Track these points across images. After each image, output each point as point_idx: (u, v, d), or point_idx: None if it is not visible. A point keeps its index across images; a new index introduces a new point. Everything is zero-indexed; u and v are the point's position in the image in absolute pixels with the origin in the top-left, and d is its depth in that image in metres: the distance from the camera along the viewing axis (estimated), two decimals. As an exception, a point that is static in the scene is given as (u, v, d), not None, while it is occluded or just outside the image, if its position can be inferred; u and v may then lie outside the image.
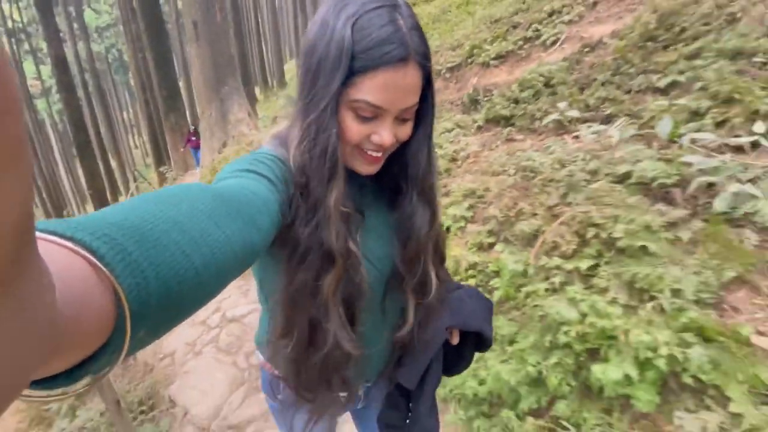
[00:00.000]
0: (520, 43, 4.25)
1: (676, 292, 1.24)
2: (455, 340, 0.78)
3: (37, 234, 0.18)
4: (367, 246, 0.63)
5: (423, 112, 0.60)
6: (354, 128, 0.55)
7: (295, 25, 24.89)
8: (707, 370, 1.10)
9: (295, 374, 0.66)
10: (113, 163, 23.18)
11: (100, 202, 12.94)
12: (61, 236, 0.23)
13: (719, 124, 1.83)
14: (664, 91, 2.31)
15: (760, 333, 1.14)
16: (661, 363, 1.14)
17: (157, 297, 0.25)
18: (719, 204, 1.39)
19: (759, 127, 1.65)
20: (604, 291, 1.42)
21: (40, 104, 35.12)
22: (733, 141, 1.66)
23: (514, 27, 4.53)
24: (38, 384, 0.21)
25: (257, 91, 21.12)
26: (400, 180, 0.65)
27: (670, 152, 1.74)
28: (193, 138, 9.80)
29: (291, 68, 24.33)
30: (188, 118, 11.87)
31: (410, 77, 0.53)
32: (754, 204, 1.31)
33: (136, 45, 14.82)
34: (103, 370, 0.24)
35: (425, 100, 0.59)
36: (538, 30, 4.15)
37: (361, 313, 0.63)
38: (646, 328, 1.21)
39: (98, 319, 0.22)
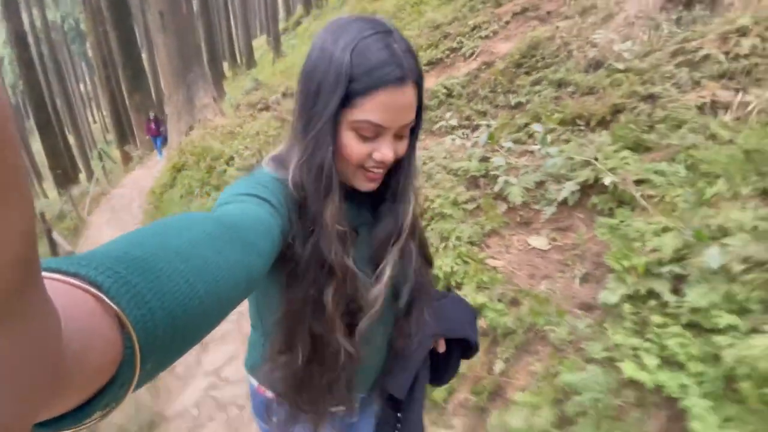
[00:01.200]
0: (448, 52, 5.14)
1: (459, 238, 2.19)
2: (441, 348, 0.82)
3: (42, 273, 0.18)
4: (359, 255, 0.65)
5: (414, 126, 0.64)
6: (356, 148, 0.58)
7: (264, 1, 24.78)
8: (461, 276, 2.05)
9: (296, 389, 0.67)
10: (71, 140, 22.71)
11: (63, 180, 13.09)
12: (65, 273, 0.23)
13: (530, 135, 2.79)
14: (513, 108, 3.27)
15: (493, 258, 2.11)
16: (441, 275, 2.08)
17: (163, 328, 0.26)
18: (496, 188, 2.36)
19: (545, 139, 2.60)
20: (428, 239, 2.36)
21: (-12, 74, 33.39)
22: (527, 148, 2.63)
23: (445, 37, 5.41)
24: (44, 426, 0.21)
25: (225, 67, 21.20)
26: (384, 190, 0.68)
27: (491, 154, 2.69)
28: (153, 126, 10.00)
29: (260, 44, 24.35)
30: (153, 98, 12.17)
31: (408, 96, 0.57)
32: (510, 189, 2.28)
33: (96, 17, 14.68)
34: (110, 405, 0.24)
35: (417, 115, 0.63)
36: (461, 42, 5.05)
37: (361, 325, 0.65)
38: (442, 258, 2.15)
39: (105, 353, 0.22)
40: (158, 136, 9.76)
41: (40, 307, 0.15)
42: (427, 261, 0.79)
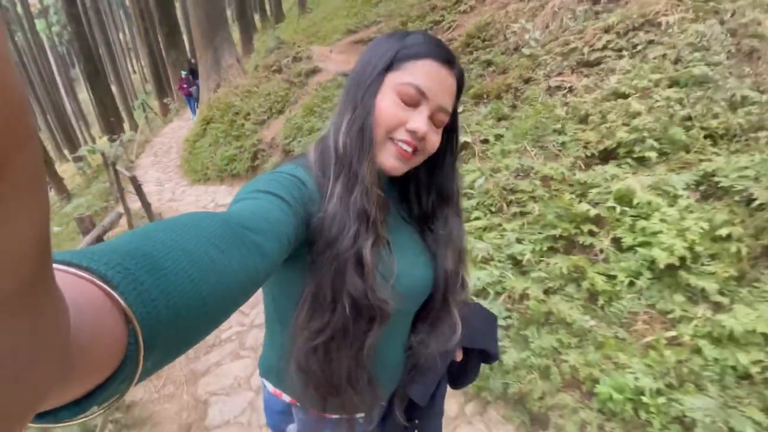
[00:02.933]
0: (431, 24, 5.95)
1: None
2: (458, 357, 0.83)
3: (53, 265, 0.18)
4: (400, 269, 0.65)
5: (450, 137, 0.67)
6: (392, 110, 0.59)
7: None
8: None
9: (318, 370, 0.64)
10: (114, 89, 24.54)
11: (110, 127, 14.71)
12: (76, 266, 0.24)
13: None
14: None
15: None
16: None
17: (167, 326, 0.26)
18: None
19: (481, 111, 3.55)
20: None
21: (38, 24, 35.52)
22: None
23: (432, 9, 6.17)
24: (44, 416, 0.21)
25: (257, 20, 21.99)
26: (434, 204, 0.71)
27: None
28: (185, 85, 10.59)
29: (289, -2, 24.76)
30: (188, 55, 13.32)
31: (450, 81, 0.60)
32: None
33: None
34: (109, 400, 0.24)
35: (453, 123, 0.66)
36: (443, 16, 5.83)
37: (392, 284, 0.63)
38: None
39: (109, 348, 0.23)
40: (190, 96, 10.52)
41: (51, 298, 0.16)
42: (463, 284, 0.77)
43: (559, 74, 3.20)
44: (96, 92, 15.06)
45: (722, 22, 2.79)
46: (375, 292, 0.60)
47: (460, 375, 0.86)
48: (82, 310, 0.21)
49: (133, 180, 4.14)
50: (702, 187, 1.90)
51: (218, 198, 5.64)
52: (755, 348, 1.40)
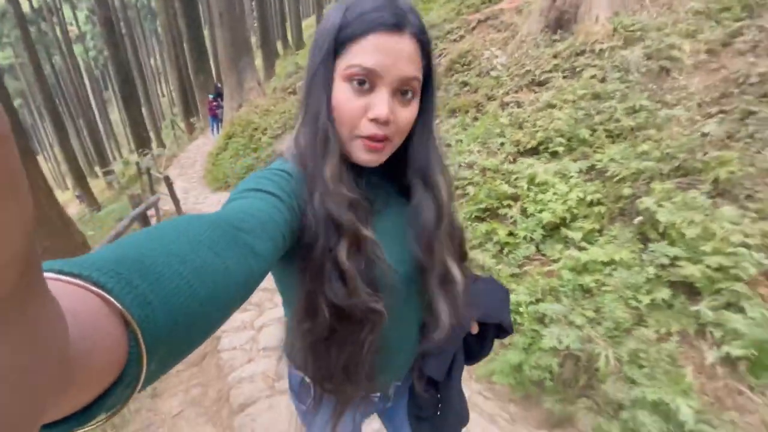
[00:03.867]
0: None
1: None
2: (474, 330, 0.83)
3: (45, 274, 0.19)
4: (388, 251, 0.61)
5: (423, 100, 0.60)
6: (348, 104, 0.54)
7: (315, -19, 26.67)
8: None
9: (314, 360, 0.65)
10: (144, 110, 26.39)
11: (140, 145, 16.03)
12: (68, 274, 0.24)
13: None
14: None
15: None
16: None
17: (166, 329, 0.26)
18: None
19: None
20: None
21: (76, 49, 38.48)
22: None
23: (428, 38, 7.02)
24: (52, 428, 0.21)
25: (280, 47, 23.58)
26: (407, 175, 0.65)
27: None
28: (214, 105, 11.49)
29: (309, 25, 26.50)
30: (214, 78, 14.63)
31: (406, 45, 0.53)
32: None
33: (166, 1, 17.32)
34: (114, 408, 0.24)
35: (426, 85, 0.59)
36: (436, 45, 6.66)
37: (381, 279, 0.60)
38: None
39: (111, 354, 0.23)
40: (216, 117, 11.53)
41: (45, 307, 0.16)
42: (462, 256, 0.76)
43: (516, 92, 3.91)
44: (129, 113, 16.49)
45: (644, 47, 3.46)
46: (359, 297, 0.57)
47: (475, 349, 0.86)
48: (79, 318, 0.21)
49: (166, 179, 5.00)
50: (592, 171, 2.57)
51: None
52: (597, 272, 2.03)
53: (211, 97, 12.08)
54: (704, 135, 2.42)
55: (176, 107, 27.84)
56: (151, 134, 23.36)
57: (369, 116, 0.55)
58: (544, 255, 2.30)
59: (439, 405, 0.82)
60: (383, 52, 0.53)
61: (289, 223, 0.51)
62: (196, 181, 9.10)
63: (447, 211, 0.67)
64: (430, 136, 0.64)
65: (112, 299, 0.24)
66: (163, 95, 48.03)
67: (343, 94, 0.55)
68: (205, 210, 6.64)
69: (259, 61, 15.78)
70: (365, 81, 0.54)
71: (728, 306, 1.67)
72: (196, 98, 15.64)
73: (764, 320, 1.55)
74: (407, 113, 0.58)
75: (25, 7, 26.74)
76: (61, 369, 0.17)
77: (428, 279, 0.67)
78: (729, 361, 1.58)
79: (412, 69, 0.55)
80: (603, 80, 3.37)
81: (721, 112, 2.58)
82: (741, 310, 1.63)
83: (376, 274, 0.59)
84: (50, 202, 4.68)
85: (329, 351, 0.63)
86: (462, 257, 0.76)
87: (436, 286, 0.68)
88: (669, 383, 1.56)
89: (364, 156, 0.58)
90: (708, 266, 1.74)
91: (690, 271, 1.76)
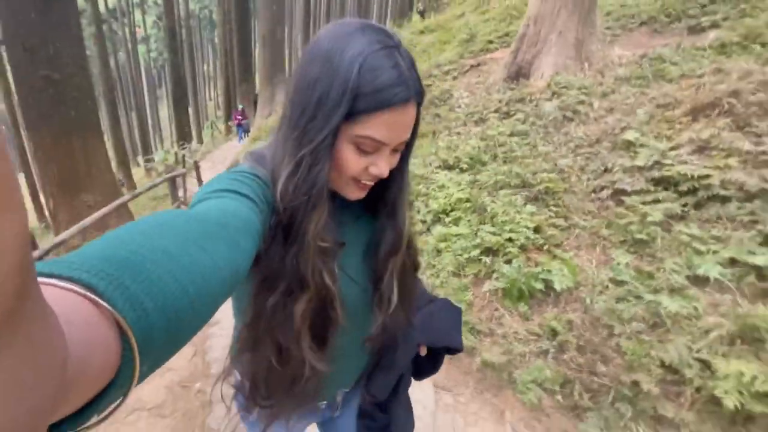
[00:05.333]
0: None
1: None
2: (423, 352, 0.87)
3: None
4: (348, 261, 0.67)
5: (408, 141, 0.65)
6: (354, 161, 0.59)
7: (359, 6, 28.94)
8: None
9: (252, 385, 0.69)
10: (190, 110, 28.96)
11: (182, 139, 18.03)
12: (59, 277, 0.24)
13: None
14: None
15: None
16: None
17: (158, 328, 0.27)
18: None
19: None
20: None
21: (140, 49, 42.49)
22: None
23: (429, 76, 8.33)
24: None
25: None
26: (378, 202, 0.71)
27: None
28: (239, 117, 12.99)
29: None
30: (256, 89, 16.53)
31: (410, 115, 0.59)
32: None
33: (226, 15, 19.65)
34: (108, 408, 0.25)
35: (413, 131, 0.64)
36: (432, 82, 7.95)
37: (334, 335, 0.65)
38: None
39: (105, 357, 0.23)
40: (240, 125, 13.11)
41: (41, 315, 0.16)
42: (415, 267, 0.81)
43: (464, 125, 5.10)
44: (177, 111, 18.65)
45: (560, 101, 4.59)
46: (303, 348, 0.61)
47: (424, 368, 0.90)
48: (72, 323, 0.21)
49: (195, 164, 6.41)
50: (474, 182, 3.72)
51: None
52: (449, 241, 3.17)
53: (240, 107, 13.75)
54: (556, 165, 3.53)
55: (220, 110, 30.36)
56: (193, 132, 25.70)
57: (372, 172, 0.61)
58: (429, 231, 3.45)
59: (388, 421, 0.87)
60: (393, 128, 0.58)
61: (263, 226, 0.52)
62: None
63: (405, 238, 0.73)
64: (404, 173, 0.70)
65: (104, 303, 0.24)
66: (211, 99, 51.79)
67: (349, 154, 0.59)
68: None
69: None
70: (370, 148, 0.59)
71: (507, 261, 2.78)
72: (237, 105, 17.62)
73: (519, 268, 2.65)
74: (396, 158, 0.65)
75: (101, 7, 30.22)
76: (60, 378, 0.17)
77: (373, 296, 0.74)
78: (495, 291, 2.68)
79: (409, 132, 0.61)
80: (524, 122, 4.51)
81: (577, 151, 3.69)
82: (510, 263, 2.73)
83: (329, 319, 0.63)
84: (107, 171, 6.18)
85: (270, 376, 0.66)
86: (415, 268, 0.81)
87: (376, 304, 0.74)
88: (458, 300, 2.68)
89: (354, 194, 0.65)
90: (504, 238, 2.86)
91: (495, 240, 2.88)
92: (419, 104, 0.61)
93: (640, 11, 6.66)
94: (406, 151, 0.67)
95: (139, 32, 43.69)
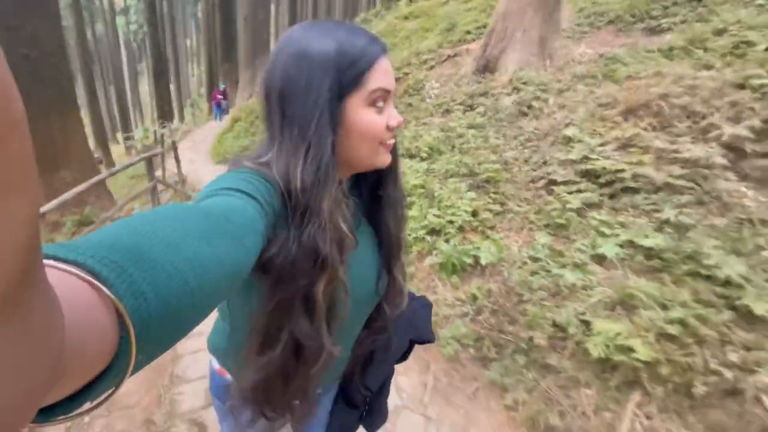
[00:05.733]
0: (398, 77, 8.33)
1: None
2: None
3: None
4: (357, 258, 0.69)
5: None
6: (378, 120, 0.63)
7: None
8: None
9: (264, 393, 0.68)
10: (172, 87, 28.54)
11: (163, 117, 17.91)
12: (64, 261, 0.25)
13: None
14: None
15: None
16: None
17: (157, 318, 0.27)
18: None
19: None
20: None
21: (118, 20, 41.28)
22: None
23: (408, 65, 8.60)
24: (36, 415, 0.21)
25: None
26: (378, 186, 0.74)
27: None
28: (219, 96, 12.92)
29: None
30: (239, 68, 16.46)
31: (389, 63, 0.64)
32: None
33: None
34: (101, 396, 0.25)
35: None
36: (407, 72, 8.22)
37: (337, 325, 0.67)
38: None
39: (102, 343, 0.23)
40: (219, 105, 13.03)
41: (43, 297, 0.16)
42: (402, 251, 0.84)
43: (431, 116, 5.44)
44: (158, 88, 18.47)
45: (518, 96, 4.96)
46: (323, 336, 0.63)
47: (399, 358, 0.99)
48: (73, 306, 0.21)
49: (173, 143, 6.63)
50: (430, 170, 4.09)
51: (228, 172, 8.13)
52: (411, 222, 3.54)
53: (222, 86, 13.65)
54: (502, 157, 3.92)
55: (203, 88, 29.97)
56: (175, 110, 25.40)
57: (391, 125, 0.65)
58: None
59: (366, 407, 0.94)
60: (388, 73, 0.64)
61: (266, 228, 0.52)
62: (203, 154, 10.81)
63: (405, 224, 0.78)
64: (396, 160, 0.75)
65: (105, 289, 0.25)
66: (194, 75, 50.79)
67: (368, 116, 0.62)
68: (204, 174, 8.29)
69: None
70: (383, 100, 0.63)
71: (446, 240, 3.17)
72: (220, 84, 17.54)
73: (454, 246, 3.05)
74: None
75: (79, -24, 29.27)
76: (57, 360, 0.18)
77: (387, 291, 0.79)
78: (434, 265, 3.08)
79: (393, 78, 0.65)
80: (483, 115, 4.87)
81: (526, 144, 4.08)
82: (448, 241, 3.13)
83: (337, 313, 0.65)
84: (85, 148, 6.36)
85: (278, 384, 0.67)
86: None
87: (388, 300, 0.80)
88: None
89: (384, 159, 0.68)
90: (446, 220, 3.25)
91: (438, 222, 3.27)
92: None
93: (609, 9, 6.99)
94: (393, 149, 0.72)
95: (118, 2, 42.43)
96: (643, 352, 1.95)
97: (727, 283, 2.24)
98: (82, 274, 0.24)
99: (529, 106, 4.77)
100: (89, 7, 32.82)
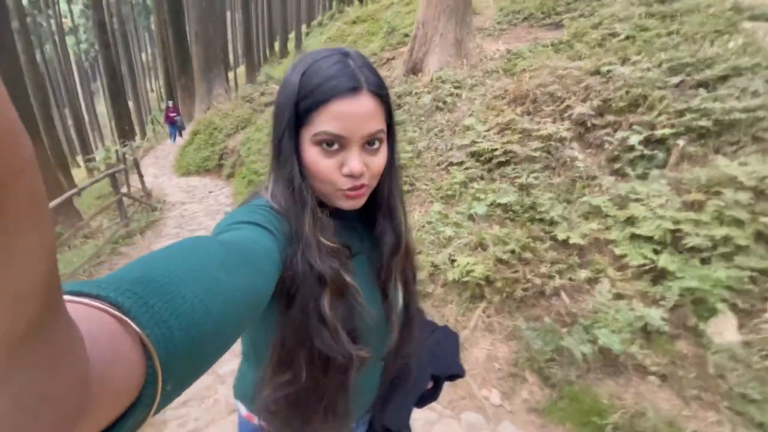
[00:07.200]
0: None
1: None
2: (429, 386, 0.93)
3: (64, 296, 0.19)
4: (359, 279, 0.67)
5: (389, 139, 0.67)
6: (322, 163, 0.60)
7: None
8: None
9: (293, 413, 0.69)
10: (131, 105, 28.56)
11: (124, 136, 18.21)
12: (86, 295, 0.25)
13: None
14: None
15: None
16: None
17: (182, 347, 0.28)
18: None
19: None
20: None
21: (68, 40, 40.80)
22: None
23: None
24: None
25: (268, 53, 26.10)
26: (374, 206, 0.72)
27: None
28: (171, 114, 12.59)
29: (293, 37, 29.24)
30: (194, 80, 16.99)
31: (365, 105, 0.59)
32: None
33: (158, 6, 19.53)
34: (132, 429, 0.25)
35: (390, 129, 0.66)
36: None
37: (362, 329, 0.67)
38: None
39: (129, 375, 0.24)
40: (173, 123, 12.56)
41: (64, 331, 0.16)
42: (414, 275, 0.83)
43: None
44: (115, 107, 18.78)
45: (435, 94, 5.87)
46: (343, 342, 0.63)
47: (427, 396, 0.94)
48: (97, 339, 0.22)
49: (135, 161, 7.31)
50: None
51: (191, 182, 8.83)
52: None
53: (170, 103, 13.18)
54: (416, 146, 4.82)
55: (163, 102, 29.96)
56: (136, 127, 25.43)
57: (344, 172, 0.61)
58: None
59: None
60: (345, 117, 0.58)
61: (280, 254, 0.54)
62: (167, 169, 11.43)
63: (405, 237, 0.76)
64: (395, 172, 0.72)
65: (129, 320, 0.25)
66: (153, 90, 50.43)
67: (314, 156, 0.60)
68: (169, 187, 8.96)
69: (243, 69, 18.22)
70: (333, 142, 0.59)
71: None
72: (178, 98, 17.98)
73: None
74: (378, 160, 0.64)
75: (23, -2, 29.04)
76: (80, 394, 0.18)
77: (388, 305, 0.76)
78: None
79: (375, 124, 0.60)
80: (407, 112, 5.77)
81: (439, 135, 4.99)
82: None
83: (356, 319, 0.66)
84: (49, 170, 7.00)
85: (310, 397, 0.67)
86: (414, 275, 0.84)
87: (387, 311, 0.76)
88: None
89: (347, 204, 0.65)
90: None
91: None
92: (379, 95, 0.62)
93: (524, 7, 8.01)
94: (390, 148, 0.68)
95: (66, 23, 41.92)
96: (479, 271, 2.86)
97: (552, 222, 3.19)
98: (106, 307, 0.25)
99: (444, 102, 5.70)
100: (36, 30, 32.51)
